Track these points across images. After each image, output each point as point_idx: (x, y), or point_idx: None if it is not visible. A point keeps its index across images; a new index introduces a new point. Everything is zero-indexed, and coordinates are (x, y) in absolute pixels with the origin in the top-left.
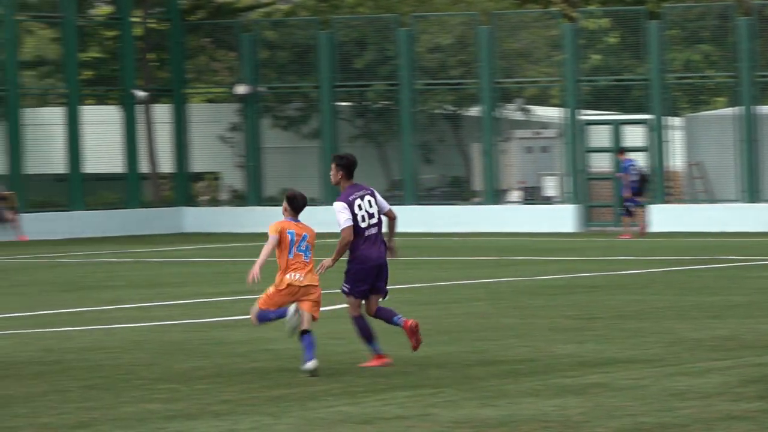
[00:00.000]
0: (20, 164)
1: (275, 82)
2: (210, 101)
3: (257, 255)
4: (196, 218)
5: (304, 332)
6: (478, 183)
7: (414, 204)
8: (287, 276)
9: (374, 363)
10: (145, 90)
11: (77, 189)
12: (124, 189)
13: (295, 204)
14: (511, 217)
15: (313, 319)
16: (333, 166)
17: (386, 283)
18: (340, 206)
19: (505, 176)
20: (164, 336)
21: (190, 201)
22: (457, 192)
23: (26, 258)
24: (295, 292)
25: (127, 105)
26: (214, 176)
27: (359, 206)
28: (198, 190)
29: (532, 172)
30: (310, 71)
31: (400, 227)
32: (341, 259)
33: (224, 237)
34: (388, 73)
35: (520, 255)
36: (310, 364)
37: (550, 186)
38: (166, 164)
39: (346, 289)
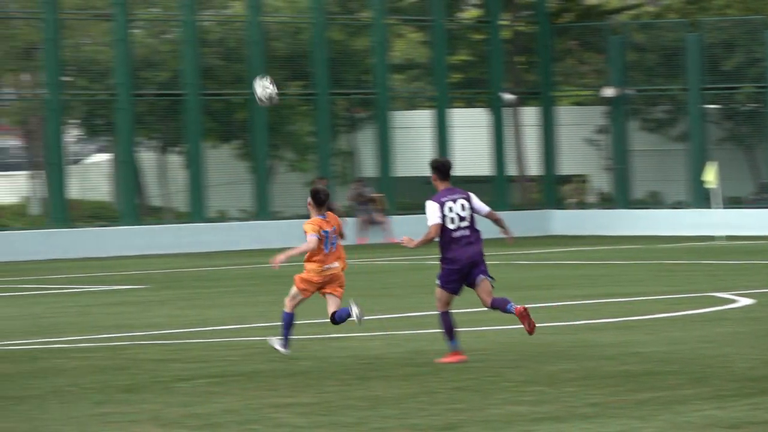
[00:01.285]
0: (389, 167)
1: (643, 85)
2: (577, 104)
3: (626, 257)
4: (564, 221)
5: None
6: None
7: None
8: (325, 266)
9: (449, 359)
10: (513, 93)
11: None
12: (492, 191)
13: (319, 198)
14: None
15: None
16: (430, 169)
17: (485, 272)
18: (430, 205)
19: None
20: (532, 338)
21: (558, 203)
22: None
23: (395, 260)
24: (330, 278)
25: (495, 108)
26: (582, 179)
27: (450, 208)
28: (565, 193)
29: None
30: (678, 73)
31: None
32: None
33: (591, 239)
34: (756, 75)
35: None
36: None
37: None
38: (534, 167)
39: (438, 283)
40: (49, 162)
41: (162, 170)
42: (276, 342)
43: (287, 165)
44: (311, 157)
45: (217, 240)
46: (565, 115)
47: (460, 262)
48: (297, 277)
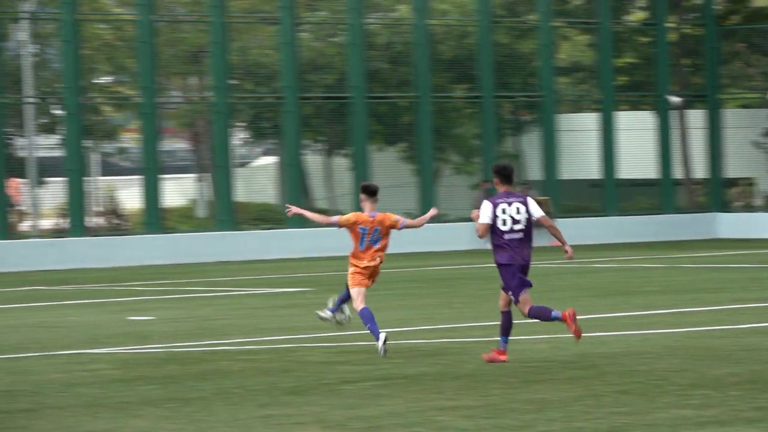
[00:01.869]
0: (554, 170)
1: None
2: (744, 107)
3: None
4: (730, 224)
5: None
6: None
7: None
8: (364, 262)
9: (493, 355)
10: (679, 96)
11: (611, 194)
12: (658, 195)
13: (368, 190)
14: None
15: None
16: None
17: (527, 282)
18: (484, 205)
19: None
20: (698, 342)
21: (724, 207)
22: None
23: (561, 263)
24: (371, 273)
25: (661, 111)
26: (748, 182)
27: (503, 210)
28: (732, 196)
29: None
30: None
31: None
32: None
33: (759, 243)
34: None
35: None
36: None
37: None
38: (700, 170)
39: (503, 286)
40: (215, 165)
41: (328, 173)
42: (381, 346)
43: (452, 168)
44: (476, 160)
45: None
46: (732, 117)
47: (513, 263)
48: (348, 277)
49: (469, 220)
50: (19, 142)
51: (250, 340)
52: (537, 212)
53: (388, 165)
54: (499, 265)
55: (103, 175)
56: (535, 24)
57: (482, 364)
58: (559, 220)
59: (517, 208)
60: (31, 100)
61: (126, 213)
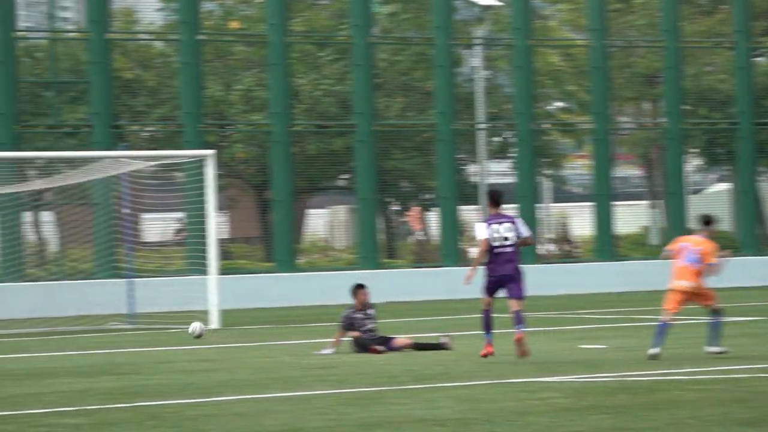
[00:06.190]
0: None
1: None
2: None
3: None
4: None
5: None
6: None
7: None
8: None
9: (486, 350)
10: None
11: None
12: None
13: (706, 220)
14: None
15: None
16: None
17: (520, 290)
18: (479, 226)
19: None
20: None
21: None
22: None
23: None
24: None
25: None
26: None
27: (495, 230)
28: None
29: None
30: None
31: None
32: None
33: None
34: None
35: None
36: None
37: None
38: None
39: (481, 291)
40: (669, 191)
41: None
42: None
43: None
44: None
45: None
46: None
47: (495, 274)
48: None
49: None
50: (471, 168)
51: (701, 370)
52: (523, 232)
53: None
54: (484, 276)
55: (554, 201)
56: None
57: None
58: None
59: (507, 227)
60: (483, 126)
61: (577, 240)
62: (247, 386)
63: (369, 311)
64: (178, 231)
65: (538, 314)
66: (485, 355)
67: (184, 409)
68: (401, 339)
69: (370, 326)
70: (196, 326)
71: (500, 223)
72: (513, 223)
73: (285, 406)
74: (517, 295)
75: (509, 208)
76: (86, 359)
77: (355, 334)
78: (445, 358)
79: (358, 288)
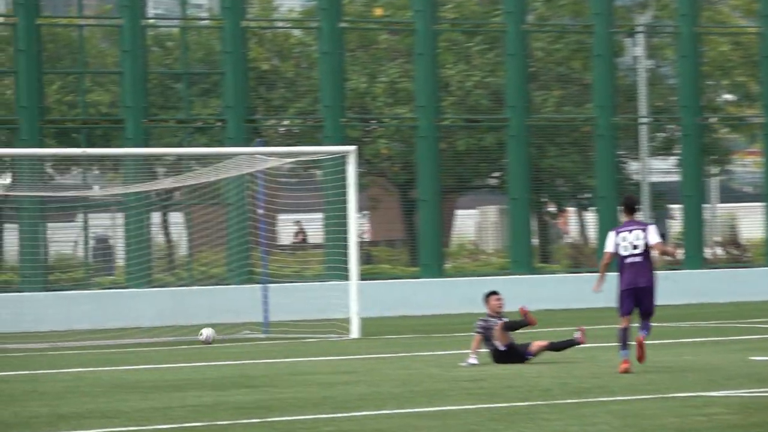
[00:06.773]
0: None
1: None
2: None
3: None
4: None
5: None
6: None
7: None
8: None
9: (623, 366)
10: None
11: None
12: None
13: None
14: None
15: None
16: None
17: (652, 304)
18: (609, 235)
19: None
20: None
21: None
22: None
23: None
24: None
25: None
26: None
27: (623, 238)
28: None
29: None
30: None
31: None
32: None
33: None
34: None
35: None
36: None
37: None
38: None
39: (616, 307)
40: None
41: None
42: None
43: None
44: None
45: None
46: None
47: (627, 285)
48: None
49: None
50: (632, 165)
51: None
52: (652, 240)
53: None
54: (617, 288)
55: (722, 201)
56: None
57: None
58: None
59: (637, 235)
60: (645, 120)
61: (746, 243)
62: (389, 400)
63: (503, 320)
64: (297, 233)
65: (703, 323)
66: (625, 371)
67: (320, 425)
68: (537, 342)
69: None
70: (208, 333)
71: (630, 230)
72: (644, 230)
73: (430, 422)
74: (648, 310)
75: (674, 209)
76: (217, 371)
77: (499, 326)
78: (602, 371)
79: (491, 295)
